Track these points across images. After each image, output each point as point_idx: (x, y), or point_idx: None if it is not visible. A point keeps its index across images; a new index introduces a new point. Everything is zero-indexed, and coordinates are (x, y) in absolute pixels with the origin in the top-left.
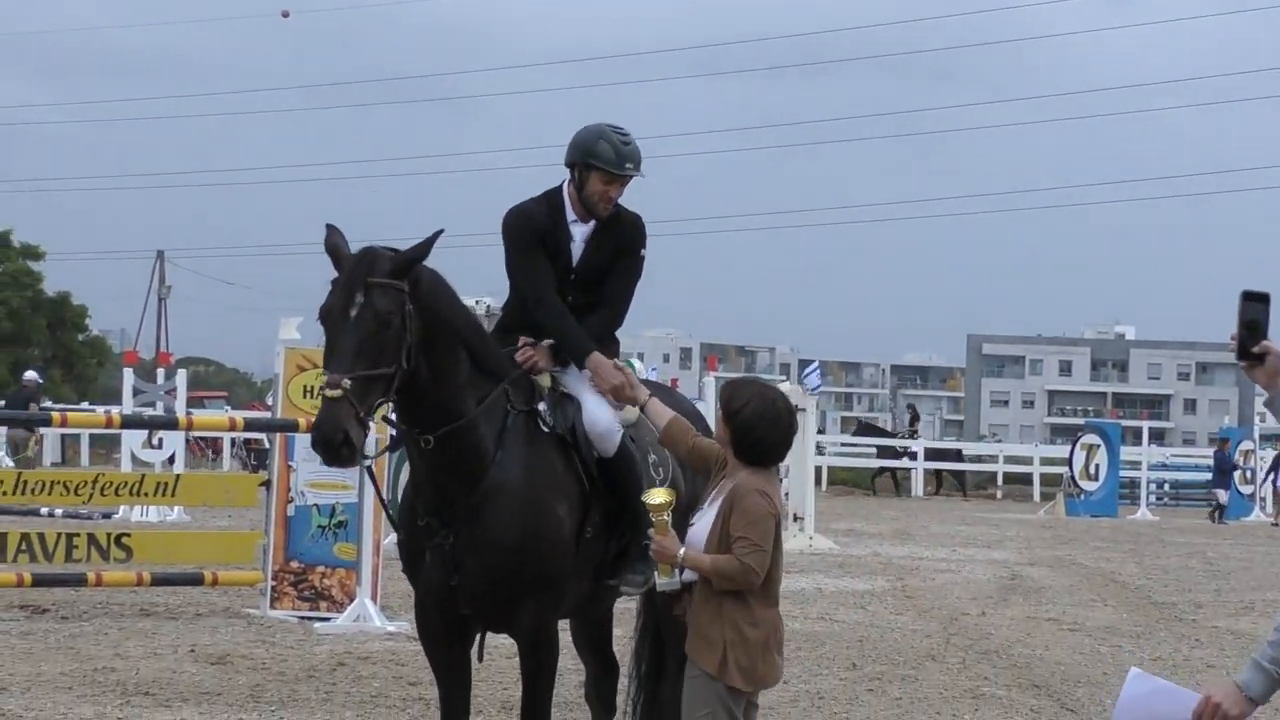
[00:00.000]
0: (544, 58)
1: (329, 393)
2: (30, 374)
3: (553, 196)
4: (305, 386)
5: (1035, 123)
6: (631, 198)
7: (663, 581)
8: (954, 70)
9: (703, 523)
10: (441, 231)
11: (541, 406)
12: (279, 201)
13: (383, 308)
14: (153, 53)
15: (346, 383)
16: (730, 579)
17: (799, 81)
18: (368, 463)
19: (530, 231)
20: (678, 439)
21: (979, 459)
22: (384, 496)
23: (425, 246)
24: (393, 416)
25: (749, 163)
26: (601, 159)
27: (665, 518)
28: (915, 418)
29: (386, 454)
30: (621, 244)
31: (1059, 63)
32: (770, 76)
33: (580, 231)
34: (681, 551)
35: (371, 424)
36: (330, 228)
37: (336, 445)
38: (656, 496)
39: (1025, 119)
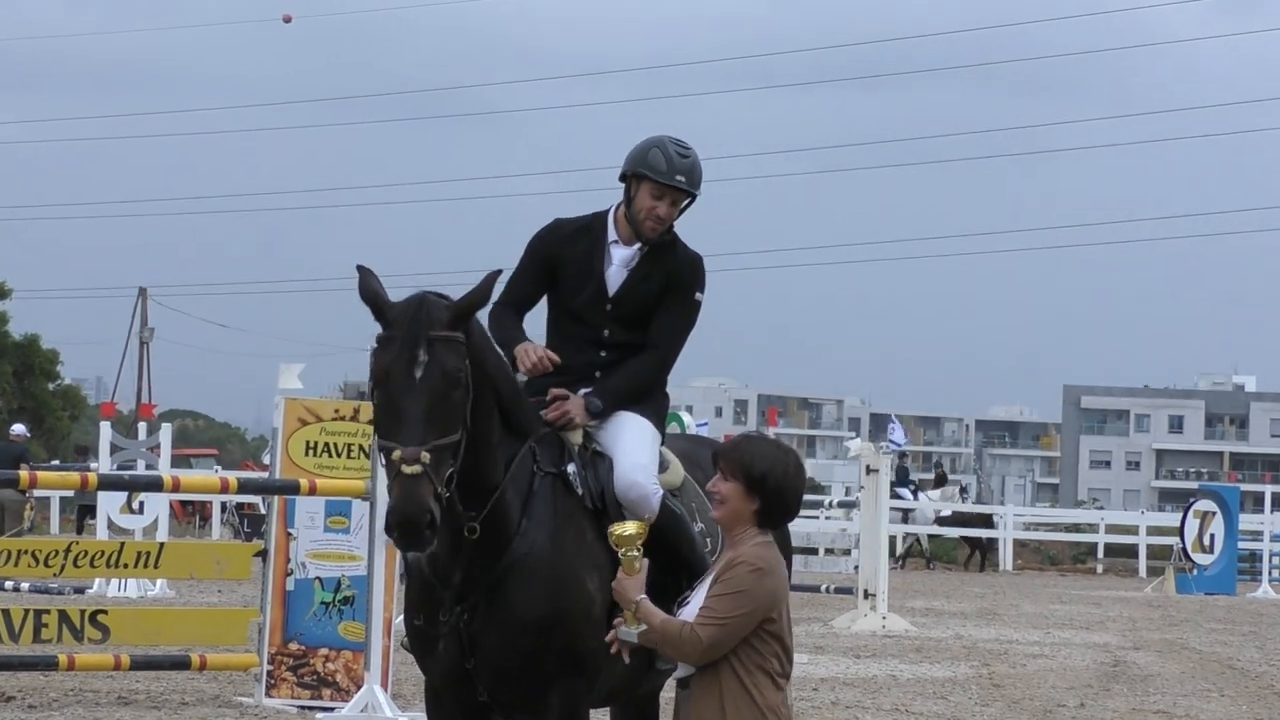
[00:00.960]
0: (580, 68)
1: (407, 469)
2: (18, 428)
3: (598, 217)
4: (307, 442)
5: (1140, 143)
6: (681, 226)
7: (624, 630)
8: (1046, 84)
9: (695, 601)
10: (499, 272)
11: (570, 469)
12: (278, 231)
13: (450, 366)
14: (132, 64)
15: (425, 456)
16: (672, 645)
17: (874, 96)
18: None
19: (547, 244)
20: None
21: (1076, 528)
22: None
23: (484, 291)
24: None
25: (814, 188)
26: (651, 168)
27: (634, 552)
28: (942, 478)
29: None
30: (673, 279)
31: (1163, 78)
32: (840, 89)
33: (621, 254)
34: (639, 598)
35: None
36: (362, 270)
37: (421, 529)
38: (627, 528)
39: (1129, 138)
